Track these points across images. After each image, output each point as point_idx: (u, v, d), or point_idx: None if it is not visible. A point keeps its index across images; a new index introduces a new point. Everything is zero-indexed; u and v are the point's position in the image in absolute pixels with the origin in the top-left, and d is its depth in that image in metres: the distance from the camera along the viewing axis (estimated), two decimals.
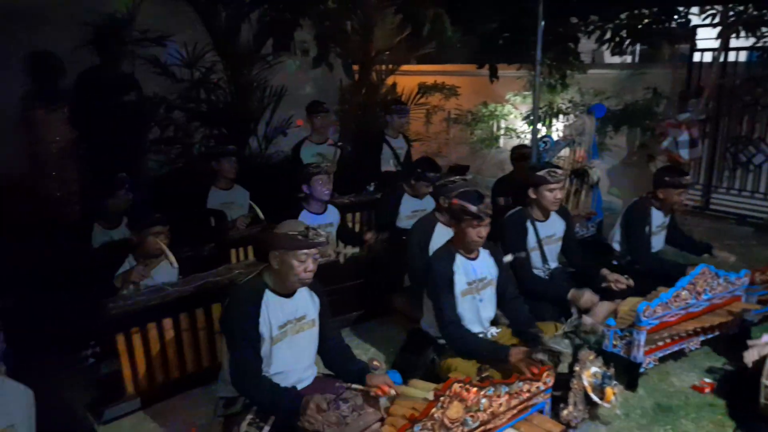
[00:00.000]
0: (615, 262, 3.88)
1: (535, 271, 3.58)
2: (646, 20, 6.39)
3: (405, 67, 7.44)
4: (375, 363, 2.54)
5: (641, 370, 3.01)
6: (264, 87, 6.24)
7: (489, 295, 2.96)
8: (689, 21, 6.39)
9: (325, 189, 3.89)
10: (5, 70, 4.47)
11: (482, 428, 2.05)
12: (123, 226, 3.69)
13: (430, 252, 3.46)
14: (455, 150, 8.23)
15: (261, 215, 4.27)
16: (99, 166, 4.45)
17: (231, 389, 2.38)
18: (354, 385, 2.40)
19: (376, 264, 3.97)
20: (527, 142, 6.47)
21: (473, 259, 2.91)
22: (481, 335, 2.88)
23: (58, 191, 4.24)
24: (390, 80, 7.13)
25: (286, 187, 4.41)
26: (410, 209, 4.26)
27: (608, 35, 6.39)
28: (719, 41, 6.25)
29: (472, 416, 2.01)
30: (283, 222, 2.36)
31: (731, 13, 6.11)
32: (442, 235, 3.50)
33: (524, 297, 3.12)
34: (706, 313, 3.26)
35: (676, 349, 3.17)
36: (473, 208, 2.72)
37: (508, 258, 3.27)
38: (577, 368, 2.53)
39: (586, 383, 2.52)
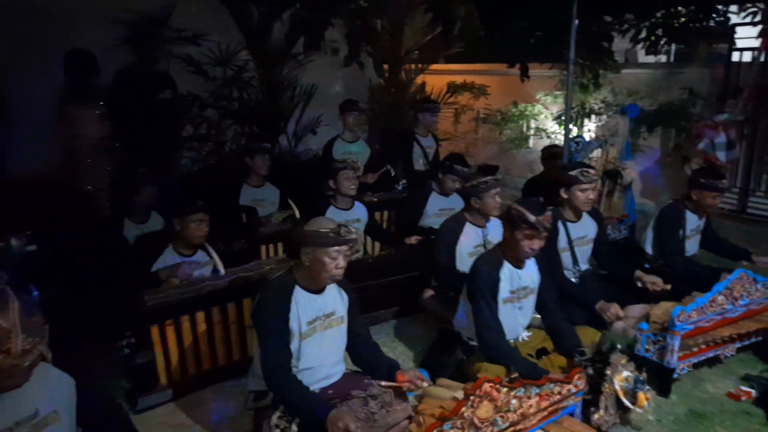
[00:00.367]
0: (647, 266, 3.80)
1: (566, 273, 3.54)
2: (682, 19, 6.25)
3: (434, 66, 7.44)
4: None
5: (674, 375, 2.95)
6: (294, 86, 6.33)
7: (529, 303, 2.92)
8: (728, 19, 6.23)
9: (351, 184, 3.93)
10: (44, 67, 4.62)
11: (512, 429, 2.04)
12: (152, 220, 3.79)
13: (458, 253, 3.49)
14: (483, 150, 8.18)
15: (297, 213, 4.32)
16: (134, 162, 4.57)
17: (261, 383, 2.40)
18: (384, 383, 2.42)
19: (404, 262, 3.97)
20: (558, 142, 6.40)
21: (520, 267, 2.85)
22: (512, 341, 2.86)
23: (93, 186, 4.35)
24: (419, 79, 7.14)
25: (315, 185, 4.46)
26: (437, 207, 4.25)
27: (643, 34, 6.26)
28: (759, 40, 6.06)
29: (501, 416, 2.01)
30: (314, 219, 2.38)
31: None
32: (470, 235, 3.50)
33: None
34: (742, 319, 3.18)
35: (711, 355, 3.10)
36: (532, 219, 2.63)
37: None
38: (608, 372, 2.49)
39: (617, 387, 2.49)
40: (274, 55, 6.12)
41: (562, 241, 3.49)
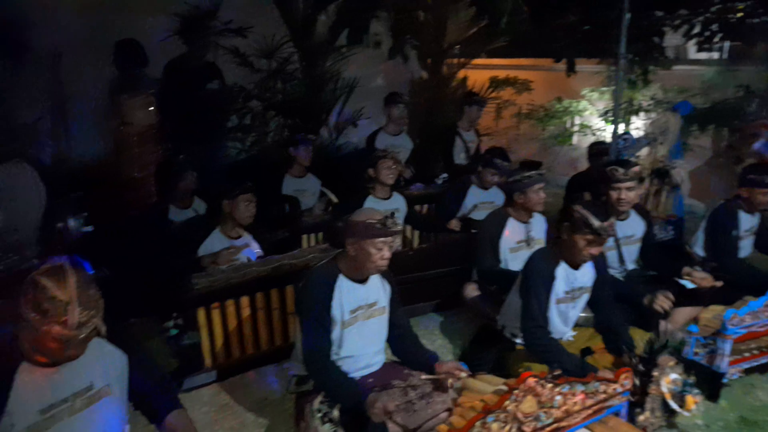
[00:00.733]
0: (698, 268, 3.68)
1: (611, 272, 3.45)
2: (740, 13, 5.99)
3: (477, 61, 7.35)
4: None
5: (724, 380, 2.85)
6: (337, 78, 6.36)
7: (582, 302, 2.86)
8: None
9: (390, 173, 3.97)
10: (100, 57, 4.78)
11: (555, 426, 2.01)
12: (195, 205, 3.88)
13: (501, 248, 3.45)
14: (525, 146, 8.05)
15: (334, 198, 4.39)
16: (181, 150, 4.69)
17: (303, 368, 2.45)
18: (424, 374, 2.42)
19: (444, 256, 3.96)
20: (604, 139, 6.25)
21: (577, 268, 2.78)
22: (557, 338, 2.81)
23: (141, 172, 4.48)
24: (461, 74, 7.07)
25: (355, 177, 4.50)
26: (476, 201, 4.23)
27: (697, 29, 6.04)
28: None
29: (545, 412, 1.98)
30: (361, 210, 2.40)
31: None
32: (514, 230, 3.46)
33: None
34: None
35: (764, 361, 2.99)
36: (596, 224, 2.56)
37: None
38: (656, 373, 2.43)
39: (665, 389, 2.42)
40: (317, 48, 6.16)
41: (608, 240, 3.41)
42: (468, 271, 3.73)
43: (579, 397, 2.07)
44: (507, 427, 1.89)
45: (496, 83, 7.22)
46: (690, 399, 2.42)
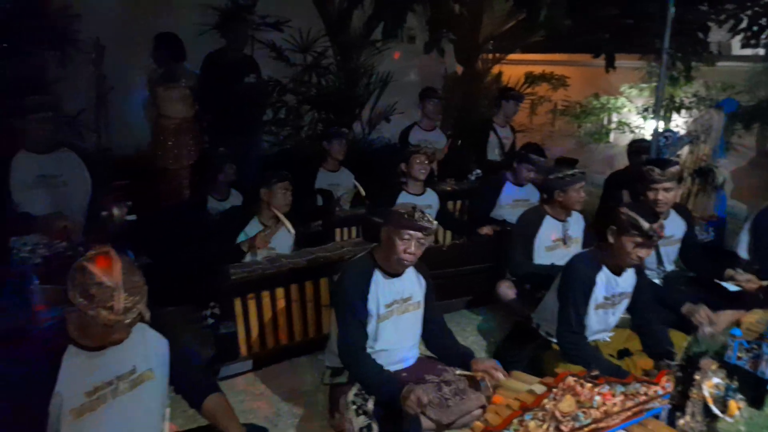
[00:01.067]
0: (740, 271, 3.57)
1: (648, 273, 3.37)
2: None
3: (512, 56, 7.26)
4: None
5: None
6: (371, 73, 6.37)
7: (622, 307, 2.81)
8: None
9: (422, 168, 3.98)
10: (137, 51, 4.88)
11: (593, 426, 1.98)
12: (232, 197, 3.94)
13: (536, 246, 3.40)
14: (560, 143, 7.91)
15: (362, 192, 4.40)
16: (218, 143, 4.77)
17: (337, 360, 2.47)
18: (459, 370, 2.41)
19: (477, 252, 3.93)
20: (642, 136, 6.10)
21: (619, 274, 2.72)
22: (593, 341, 2.76)
23: (179, 164, 4.57)
24: (495, 69, 6.99)
25: (387, 172, 4.50)
26: (511, 198, 4.19)
27: (744, 24, 5.82)
28: None
29: (584, 412, 1.95)
30: (402, 203, 2.41)
31: None
32: (550, 228, 3.41)
33: None
34: None
35: None
36: (646, 226, 2.49)
37: None
38: (697, 377, 2.36)
39: (706, 394, 2.35)
40: (352, 42, 6.18)
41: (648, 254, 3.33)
42: (501, 268, 3.70)
43: (618, 398, 2.03)
44: (544, 426, 1.86)
45: (531, 79, 7.12)
46: (733, 404, 2.34)
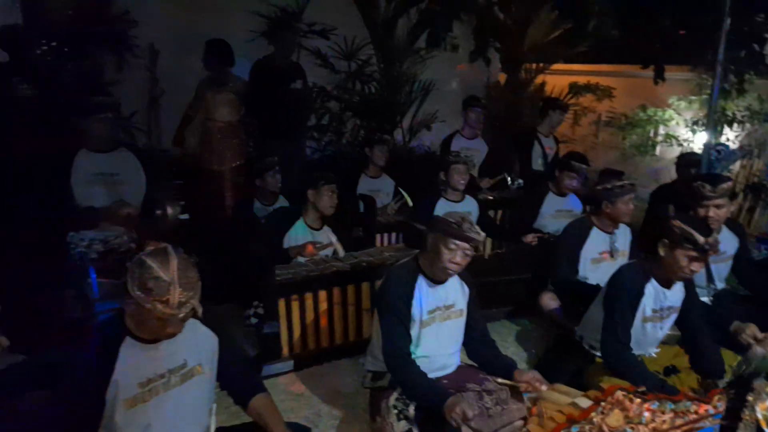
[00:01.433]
0: None
1: (698, 291, 3.27)
2: None
3: (556, 66, 7.18)
4: None
5: None
6: (413, 81, 6.40)
7: (670, 322, 2.75)
8: None
9: (461, 178, 3.99)
10: (189, 56, 5.04)
11: None
12: (278, 203, 3.98)
13: (582, 257, 3.35)
14: (603, 155, 7.76)
15: (410, 201, 4.42)
16: (265, 147, 4.86)
17: (379, 364, 2.48)
18: (501, 380, 2.39)
19: (519, 262, 3.89)
20: (691, 150, 5.94)
21: (668, 287, 2.66)
22: (639, 356, 2.70)
23: (228, 166, 4.67)
24: (539, 79, 6.93)
25: (427, 180, 4.52)
26: (553, 208, 4.14)
27: None
28: None
29: (632, 428, 1.90)
30: (448, 212, 2.42)
31: None
32: (597, 240, 3.35)
33: None
34: None
35: None
36: (701, 240, 2.43)
37: None
38: (750, 398, 2.28)
39: (760, 416, 2.27)
40: (396, 50, 6.23)
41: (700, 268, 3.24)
42: (543, 278, 3.65)
43: (668, 416, 1.98)
44: None
45: (576, 89, 7.03)
46: None
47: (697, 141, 6.56)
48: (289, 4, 5.74)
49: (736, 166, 4.85)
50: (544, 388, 2.31)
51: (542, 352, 3.27)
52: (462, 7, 5.68)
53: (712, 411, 2.10)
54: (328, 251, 3.44)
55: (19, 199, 3.03)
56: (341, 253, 3.41)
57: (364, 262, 3.24)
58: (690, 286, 2.76)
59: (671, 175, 4.87)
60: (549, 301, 3.43)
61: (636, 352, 2.68)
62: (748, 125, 5.97)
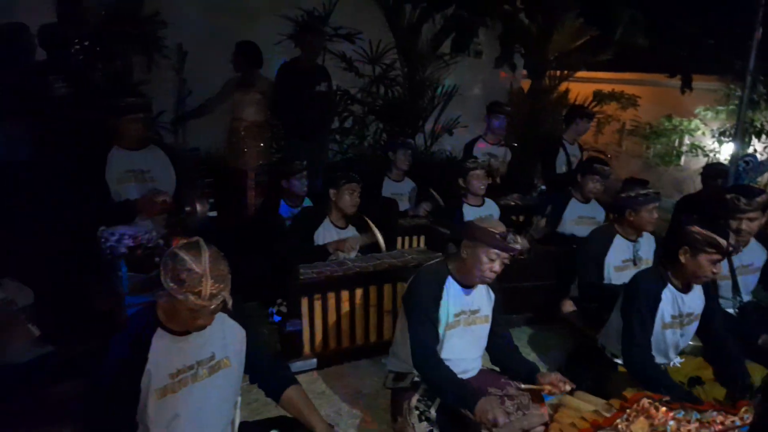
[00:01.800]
0: None
1: (723, 303, 3.23)
2: None
3: (580, 74, 7.16)
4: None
5: None
6: (436, 86, 6.42)
7: (691, 330, 2.72)
8: None
9: (481, 184, 4.01)
10: (216, 58, 5.12)
11: None
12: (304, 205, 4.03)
13: (605, 265, 3.33)
14: (626, 164, 7.72)
15: (441, 202, 4.45)
16: (288, 148, 4.92)
17: (401, 364, 2.50)
18: (524, 385, 2.39)
19: (541, 269, 3.88)
20: (717, 161, 5.87)
21: (686, 292, 2.65)
22: (662, 365, 2.68)
23: (248, 165, 4.73)
24: (563, 86, 6.91)
25: (447, 185, 4.53)
26: (576, 215, 4.12)
27: None
28: None
29: None
30: (484, 218, 2.43)
31: None
32: (620, 248, 3.33)
33: None
34: None
35: None
36: (724, 243, 2.44)
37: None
38: None
39: None
40: (420, 55, 6.26)
41: (722, 269, 3.21)
42: (565, 285, 3.63)
43: (693, 425, 1.97)
44: None
45: (600, 97, 6.99)
46: None
47: (723, 152, 6.48)
48: (316, 7, 5.83)
49: (763, 177, 4.77)
50: (567, 388, 2.30)
51: (563, 360, 3.25)
52: (488, 13, 5.69)
53: (738, 423, 2.09)
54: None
55: (54, 194, 3.10)
56: (383, 247, 3.44)
57: (387, 263, 3.26)
58: (710, 295, 2.74)
59: (695, 185, 4.83)
60: (570, 308, 3.41)
61: (658, 360, 2.66)
62: None
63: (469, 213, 3.97)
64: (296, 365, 3.01)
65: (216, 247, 1.78)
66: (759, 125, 6.10)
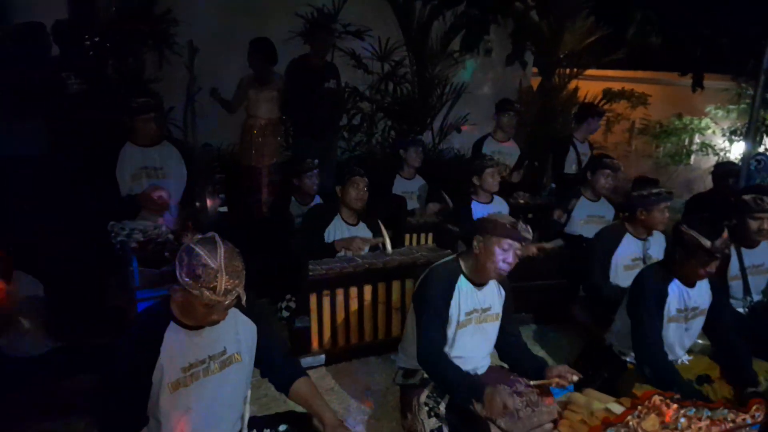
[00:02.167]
0: None
1: (734, 303, 3.22)
2: None
3: (590, 72, 7.13)
4: None
5: None
6: (445, 83, 6.41)
7: (697, 325, 2.72)
8: None
9: (495, 182, 4.04)
10: (226, 55, 5.14)
11: None
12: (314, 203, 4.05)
13: (614, 264, 3.32)
14: (636, 163, 7.68)
15: (450, 202, 4.46)
16: (297, 146, 4.93)
17: (411, 361, 2.50)
18: (534, 381, 2.39)
19: (549, 267, 3.87)
20: (727, 159, 5.83)
21: (691, 286, 2.65)
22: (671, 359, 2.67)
23: (262, 162, 4.73)
24: (572, 84, 6.89)
25: (456, 182, 4.53)
26: (585, 214, 4.10)
27: None
28: None
29: None
30: (492, 213, 2.42)
31: None
32: (629, 247, 3.32)
33: None
34: None
35: None
36: (707, 244, 2.44)
37: None
38: None
39: None
40: (429, 53, 6.25)
41: (732, 268, 3.20)
42: (574, 284, 3.63)
43: (704, 423, 1.96)
44: None
45: (610, 95, 6.95)
46: None
47: (734, 151, 6.44)
48: (326, 4, 5.83)
49: None
50: (575, 378, 2.31)
51: (572, 359, 3.24)
52: (499, 11, 5.67)
53: (749, 420, 2.07)
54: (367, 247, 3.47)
55: (66, 189, 3.13)
56: (389, 249, 3.45)
57: (396, 260, 3.26)
58: (718, 292, 2.73)
59: (705, 184, 4.79)
60: (579, 307, 3.40)
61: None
62: None
63: (478, 210, 3.96)
64: (305, 361, 3.00)
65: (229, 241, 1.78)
66: None
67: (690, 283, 2.64)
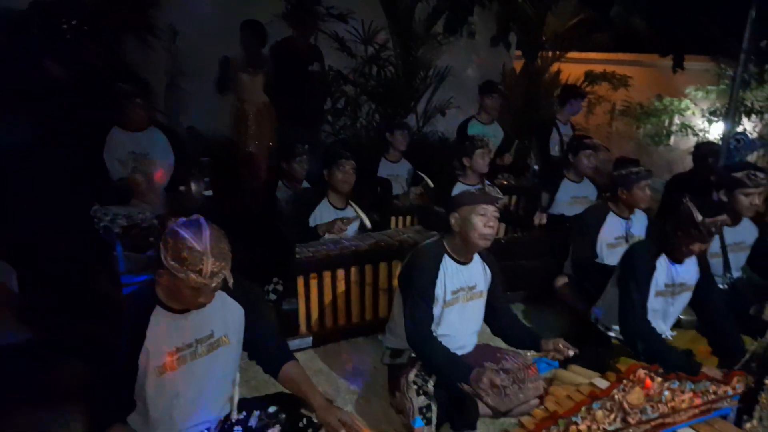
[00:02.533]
0: None
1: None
2: None
3: (572, 54, 7.15)
4: None
5: None
6: (429, 67, 6.38)
7: (682, 300, 2.78)
8: None
9: (485, 163, 4.05)
10: (209, 38, 5.04)
11: (660, 421, 1.97)
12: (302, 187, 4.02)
13: (598, 243, 3.36)
14: (617, 145, 7.74)
15: (431, 183, 4.46)
16: (285, 129, 4.87)
17: (398, 341, 2.52)
18: (531, 353, 2.43)
19: (535, 247, 3.92)
20: (706, 140, 5.91)
21: (679, 262, 2.70)
22: None
23: (253, 147, 4.67)
24: (554, 67, 6.90)
25: (441, 164, 4.53)
26: (569, 195, 4.15)
27: None
28: None
29: (652, 406, 1.94)
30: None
31: None
32: (613, 226, 3.37)
33: None
34: None
35: None
36: (698, 218, 2.49)
37: None
38: (767, 382, 2.30)
39: None
40: (413, 36, 6.21)
41: (713, 245, 3.25)
42: (560, 263, 3.67)
43: (687, 395, 2.01)
44: (612, 416, 1.87)
45: (591, 77, 6.98)
46: None
47: (713, 131, 6.53)
48: None
49: (753, 156, 4.82)
50: (570, 353, 2.35)
51: (558, 337, 3.28)
52: None
53: (730, 392, 2.13)
54: (354, 225, 3.49)
55: (52, 175, 3.07)
56: (368, 224, 3.47)
57: (382, 242, 3.27)
58: (705, 268, 2.79)
59: (685, 164, 4.86)
60: (564, 285, 3.45)
61: None
62: (766, 115, 5.92)
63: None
64: (293, 343, 3.01)
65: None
66: (749, 104, 6.13)
67: (678, 260, 2.69)
